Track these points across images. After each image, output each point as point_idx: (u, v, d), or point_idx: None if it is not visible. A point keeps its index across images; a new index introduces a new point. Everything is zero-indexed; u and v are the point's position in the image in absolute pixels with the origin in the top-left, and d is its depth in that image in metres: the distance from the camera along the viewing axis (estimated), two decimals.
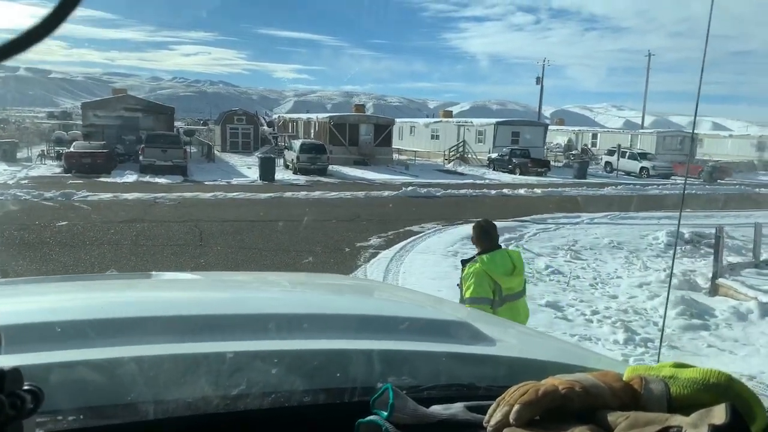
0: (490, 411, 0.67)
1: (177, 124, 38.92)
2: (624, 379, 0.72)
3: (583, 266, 10.28)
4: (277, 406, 0.77)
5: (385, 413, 0.69)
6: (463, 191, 19.18)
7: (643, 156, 33.67)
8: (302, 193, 18.10)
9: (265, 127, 41.65)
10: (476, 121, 37.98)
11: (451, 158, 35.40)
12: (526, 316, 3.86)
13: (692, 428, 0.56)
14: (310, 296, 1.63)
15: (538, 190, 20.09)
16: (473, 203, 16.67)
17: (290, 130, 40.11)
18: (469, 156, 35.33)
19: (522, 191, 19.66)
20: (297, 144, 27.23)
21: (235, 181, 21.61)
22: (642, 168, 32.55)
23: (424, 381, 0.87)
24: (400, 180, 24.44)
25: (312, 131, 35.10)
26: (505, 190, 19.53)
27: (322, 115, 36.29)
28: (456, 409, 0.74)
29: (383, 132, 32.91)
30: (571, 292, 8.57)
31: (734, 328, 7.25)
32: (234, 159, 31.93)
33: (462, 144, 36.34)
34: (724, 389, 0.69)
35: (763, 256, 10.26)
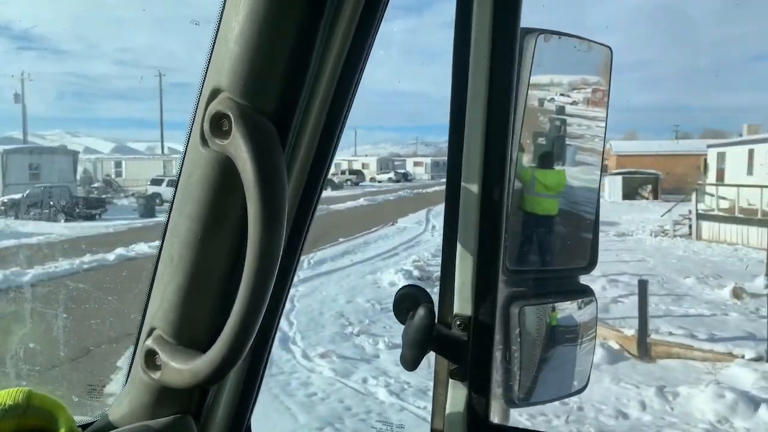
0: None
1: None
2: None
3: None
4: None
5: None
6: (64, 266, 11.30)
7: None
8: None
9: None
10: None
11: None
12: None
13: None
14: None
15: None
16: (122, 286, 9.80)
17: None
18: None
19: (146, 248, 13.42)
20: None
21: None
22: None
23: None
24: None
25: None
26: (119, 250, 12.83)
27: None
28: None
29: None
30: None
31: None
32: None
33: None
34: (24, 408, 0.67)
35: None
